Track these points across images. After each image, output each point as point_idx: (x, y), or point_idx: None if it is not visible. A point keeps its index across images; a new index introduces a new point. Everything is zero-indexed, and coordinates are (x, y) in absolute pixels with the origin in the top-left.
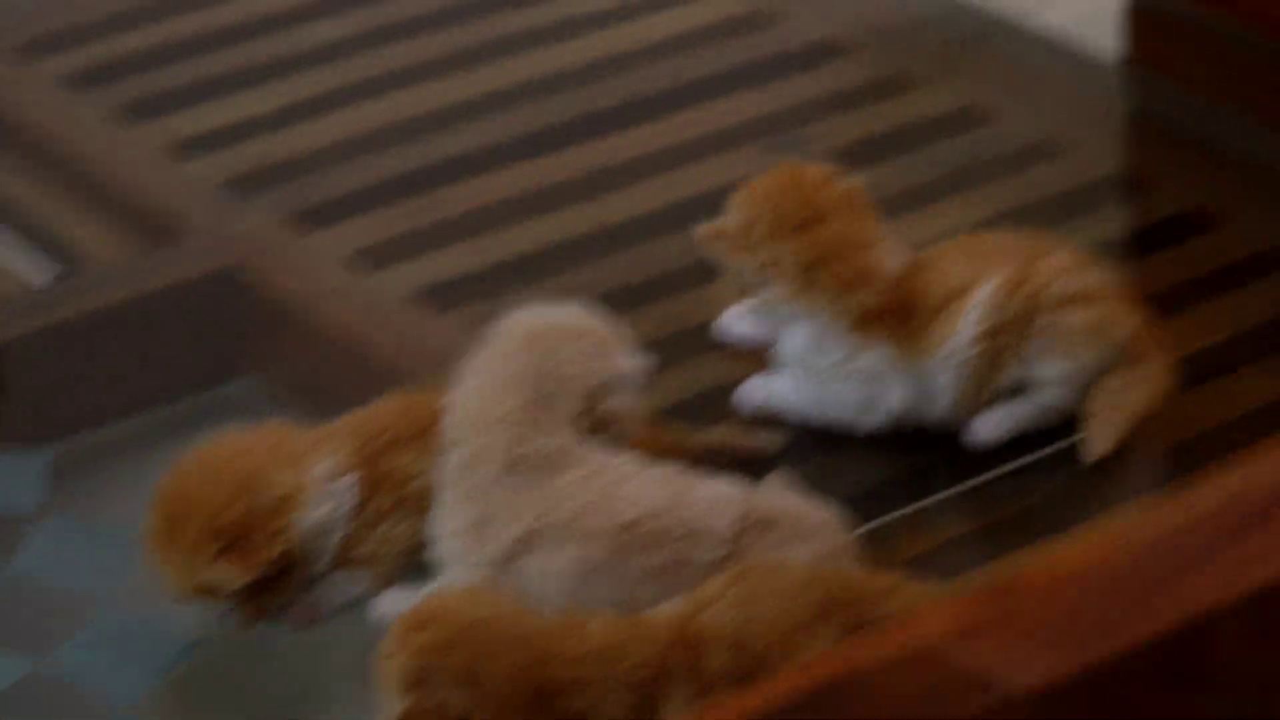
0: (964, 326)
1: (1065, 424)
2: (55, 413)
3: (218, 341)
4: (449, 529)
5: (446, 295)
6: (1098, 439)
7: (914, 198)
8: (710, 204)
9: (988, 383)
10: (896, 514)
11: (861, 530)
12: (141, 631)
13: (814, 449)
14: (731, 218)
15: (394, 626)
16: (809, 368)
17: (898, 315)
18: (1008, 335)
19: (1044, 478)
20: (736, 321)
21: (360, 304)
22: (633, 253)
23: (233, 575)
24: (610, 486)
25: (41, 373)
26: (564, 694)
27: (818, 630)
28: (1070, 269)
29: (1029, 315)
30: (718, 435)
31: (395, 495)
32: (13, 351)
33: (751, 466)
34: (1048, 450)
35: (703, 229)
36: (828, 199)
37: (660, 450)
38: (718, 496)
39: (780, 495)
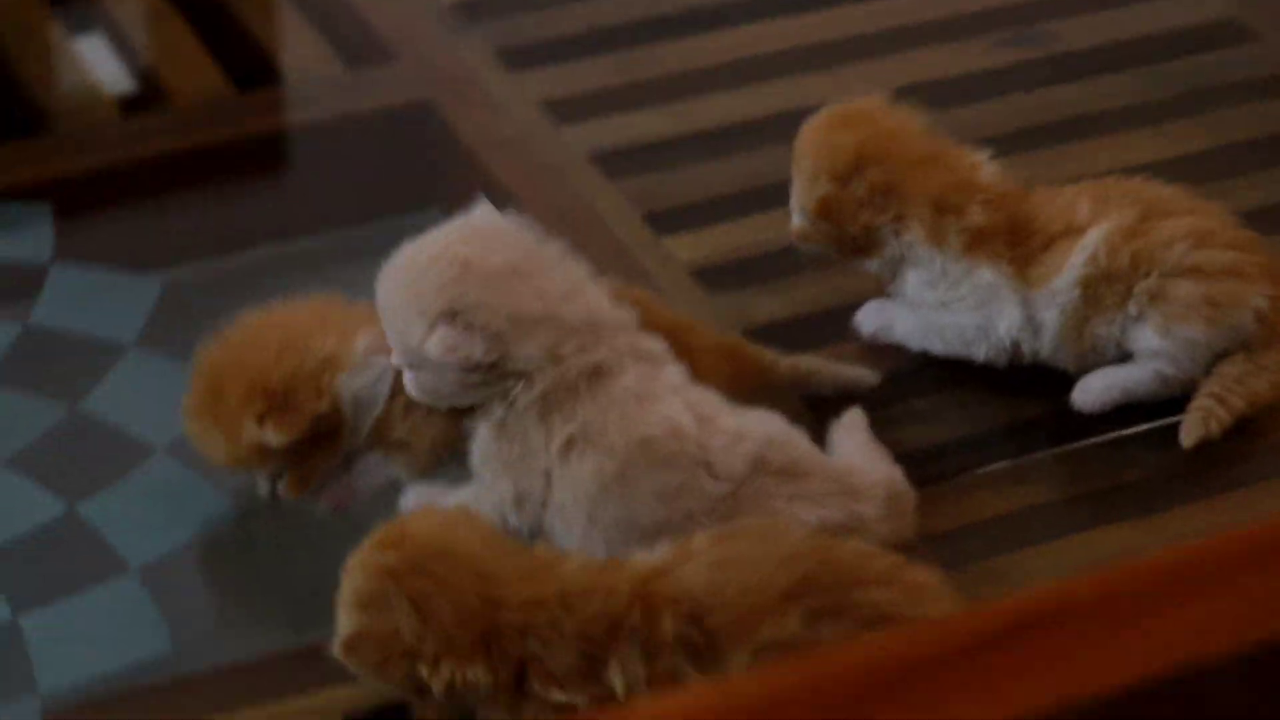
0: (1069, 266)
1: (1186, 399)
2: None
3: (406, 170)
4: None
5: (622, 161)
6: (1193, 425)
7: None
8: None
9: (1086, 331)
10: (983, 469)
11: (951, 480)
12: (180, 491)
13: (914, 390)
14: (818, 189)
15: (365, 541)
16: (924, 300)
17: (1010, 238)
18: (1108, 287)
19: (1146, 453)
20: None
21: (541, 156)
22: None
23: (277, 435)
24: (639, 402)
25: (227, 181)
26: (512, 638)
27: (785, 612)
28: (1198, 237)
29: (1134, 272)
30: (814, 363)
31: None
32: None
33: (844, 401)
34: (1152, 425)
35: (799, 228)
36: (908, 131)
37: (743, 373)
38: (743, 432)
39: (845, 437)
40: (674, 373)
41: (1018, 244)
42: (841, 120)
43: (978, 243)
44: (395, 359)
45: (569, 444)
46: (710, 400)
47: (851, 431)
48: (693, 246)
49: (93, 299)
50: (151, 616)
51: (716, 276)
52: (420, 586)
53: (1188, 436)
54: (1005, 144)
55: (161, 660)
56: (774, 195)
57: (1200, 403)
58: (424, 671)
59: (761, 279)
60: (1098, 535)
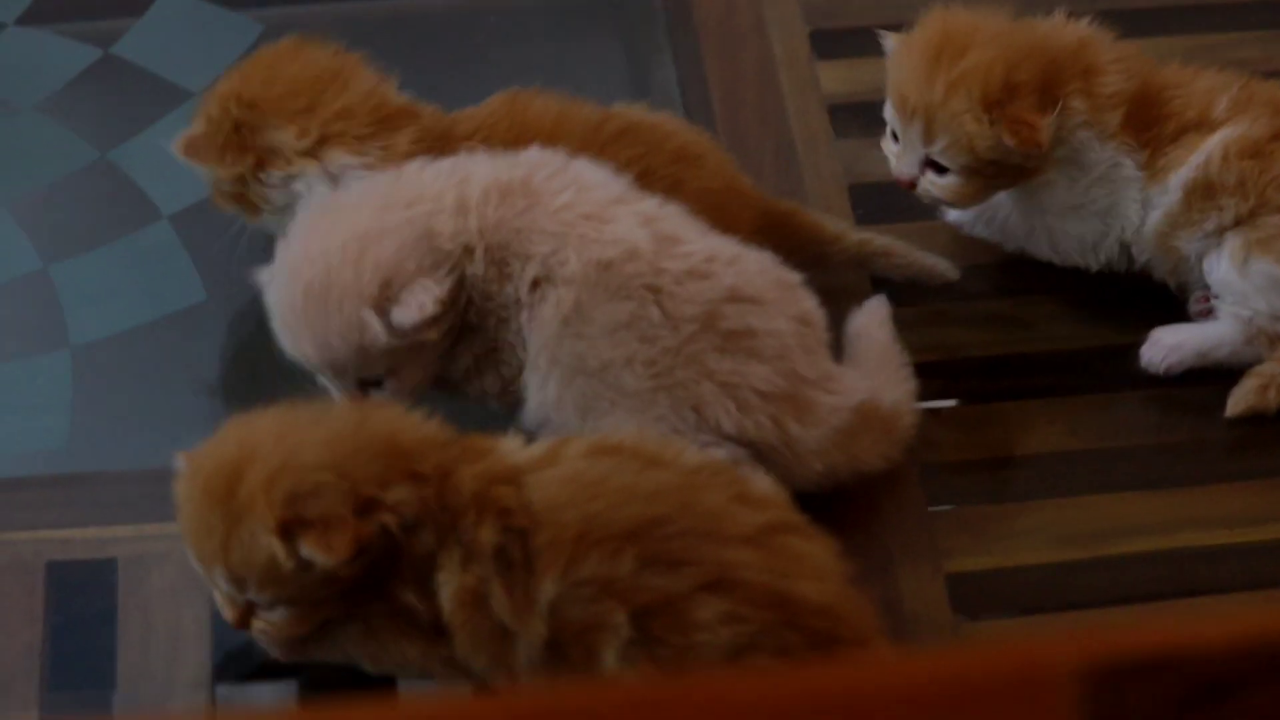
0: (1185, 164)
1: None
2: None
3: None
4: None
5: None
6: (1245, 393)
7: None
8: None
9: (1172, 242)
10: (1014, 401)
11: (982, 404)
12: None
13: (989, 291)
14: (975, 128)
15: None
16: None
17: (1143, 116)
18: (1207, 199)
19: (1196, 418)
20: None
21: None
22: None
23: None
24: (600, 226)
25: None
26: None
27: (617, 551)
28: None
29: (1237, 191)
30: (889, 243)
31: None
32: None
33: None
34: (1213, 388)
35: (950, 187)
36: (1013, 27)
37: (799, 240)
38: (708, 268)
39: (861, 332)
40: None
41: (1151, 125)
42: (944, 43)
43: (1127, 122)
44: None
45: (534, 285)
46: (677, 220)
47: (870, 325)
48: (841, 77)
49: None
50: (184, 264)
51: (849, 116)
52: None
53: (1236, 404)
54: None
55: (197, 308)
56: None
57: (1263, 368)
58: None
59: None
60: (1097, 503)
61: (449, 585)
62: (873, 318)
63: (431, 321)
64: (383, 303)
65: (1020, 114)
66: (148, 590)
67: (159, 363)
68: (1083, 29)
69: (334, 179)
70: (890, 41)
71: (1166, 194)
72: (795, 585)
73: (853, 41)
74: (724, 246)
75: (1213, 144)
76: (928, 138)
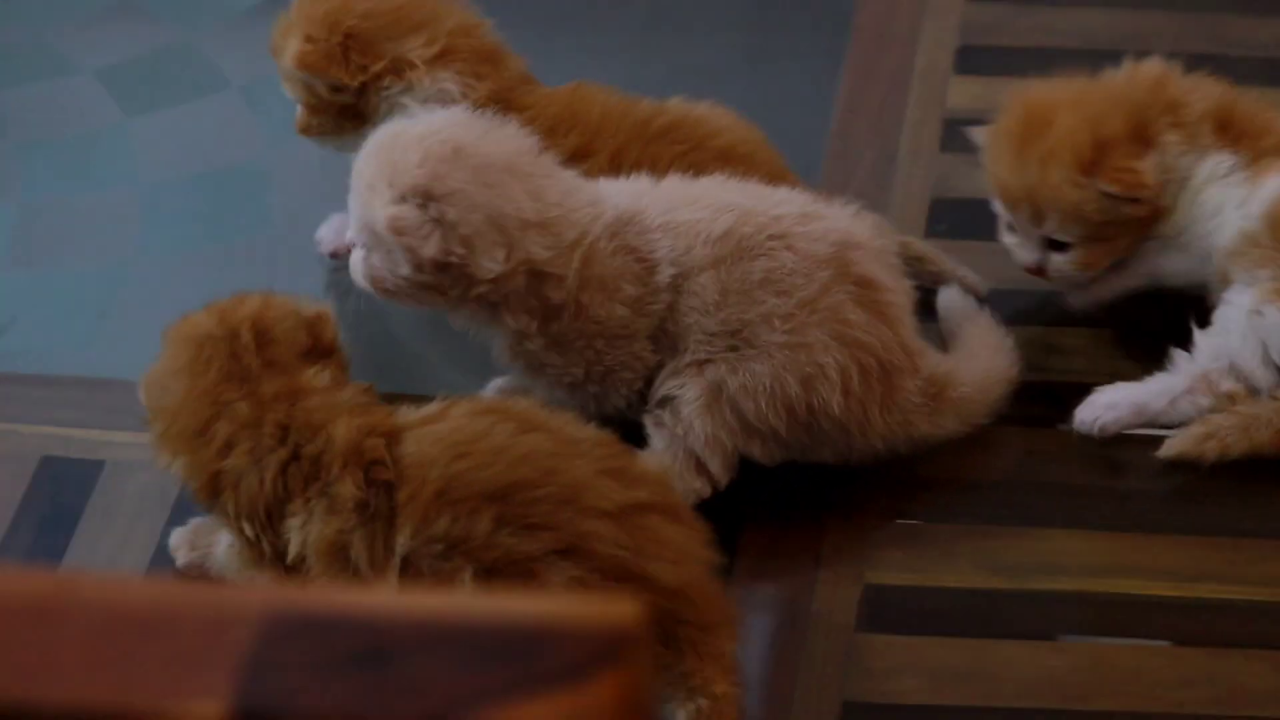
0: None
1: None
2: None
3: None
4: None
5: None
6: (1187, 438)
7: None
8: None
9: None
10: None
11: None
12: None
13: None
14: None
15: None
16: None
17: (1235, 132)
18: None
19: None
20: None
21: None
22: None
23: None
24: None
25: None
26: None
27: (475, 511)
28: None
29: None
30: (927, 250)
31: None
32: None
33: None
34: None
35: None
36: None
37: None
38: (811, 202)
39: (952, 302)
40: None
41: (1242, 134)
42: (1027, 123)
43: (1219, 132)
44: (350, 234)
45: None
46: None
47: (959, 305)
48: (972, 93)
49: None
50: (249, 127)
51: (959, 133)
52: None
53: (1172, 445)
54: None
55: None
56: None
57: (1215, 419)
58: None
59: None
60: (1032, 536)
61: (310, 531)
62: (960, 301)
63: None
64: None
65: (1118, 163)
66: (117, 494)
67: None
68: (1154, 67)
69: (431, 99)
70: (978, 135)
71: (1254, 205)
72: (649, 565)
73: (998, 59)
74: (813, 200)
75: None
76: (1038, 220)
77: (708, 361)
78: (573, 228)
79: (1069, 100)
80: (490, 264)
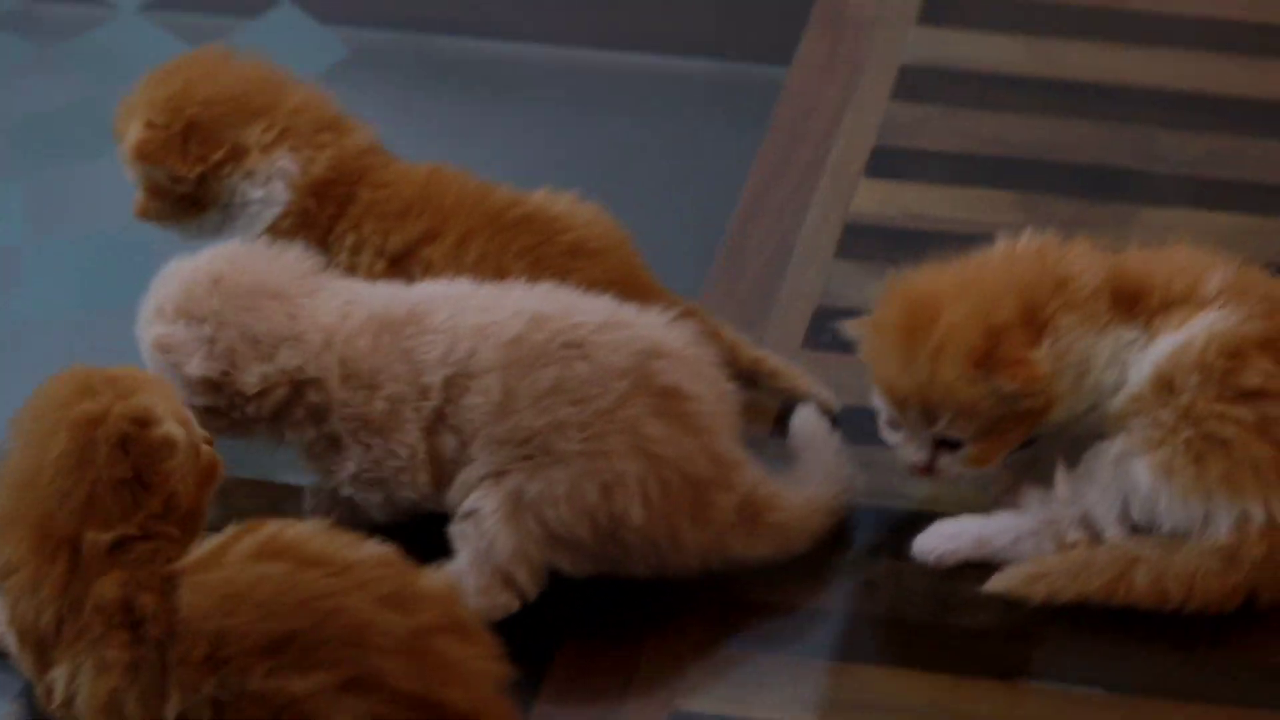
0: (1166, 338)
1: None
2: None
3: None
4: None
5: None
6: (1008, 575)
7: None
8: None
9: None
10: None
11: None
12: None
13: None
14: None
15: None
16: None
17: (1130, 301)
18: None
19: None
20: None
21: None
22: None
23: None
24: (490, 311)
25: None
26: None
27: (247, 668)
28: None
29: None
30: (781, 366)
31: None
32: None
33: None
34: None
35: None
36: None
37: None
38: (618, 311)
39: (804, 422)
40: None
41: (1136, 301)
42: (911, 316)
43: (1115, 306)
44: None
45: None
46: (569, 293)
47: (812, 427)
48: (877, 197)
49: None
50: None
51: (859, 237)
52: None
53: (999, 580)
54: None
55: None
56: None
57: (1049, 560)
58: None
59: (891, 258)
60: (853, 672)
61: (80, 688)
62: (813, 422)
63: None
64: None
65: (1010, 355)
66: None
67: None
68: (1035, 242)
69: (269, 179)
70: (854, 329)
71: (1144, 367)
72: (440, 691)
73: (912, 163)
74: (625, 308)
75: (1197, 329)
76: (929, 420)
77: (505, 473)
78: (320, 332)
79: (953, 288)
80: (250, 379)
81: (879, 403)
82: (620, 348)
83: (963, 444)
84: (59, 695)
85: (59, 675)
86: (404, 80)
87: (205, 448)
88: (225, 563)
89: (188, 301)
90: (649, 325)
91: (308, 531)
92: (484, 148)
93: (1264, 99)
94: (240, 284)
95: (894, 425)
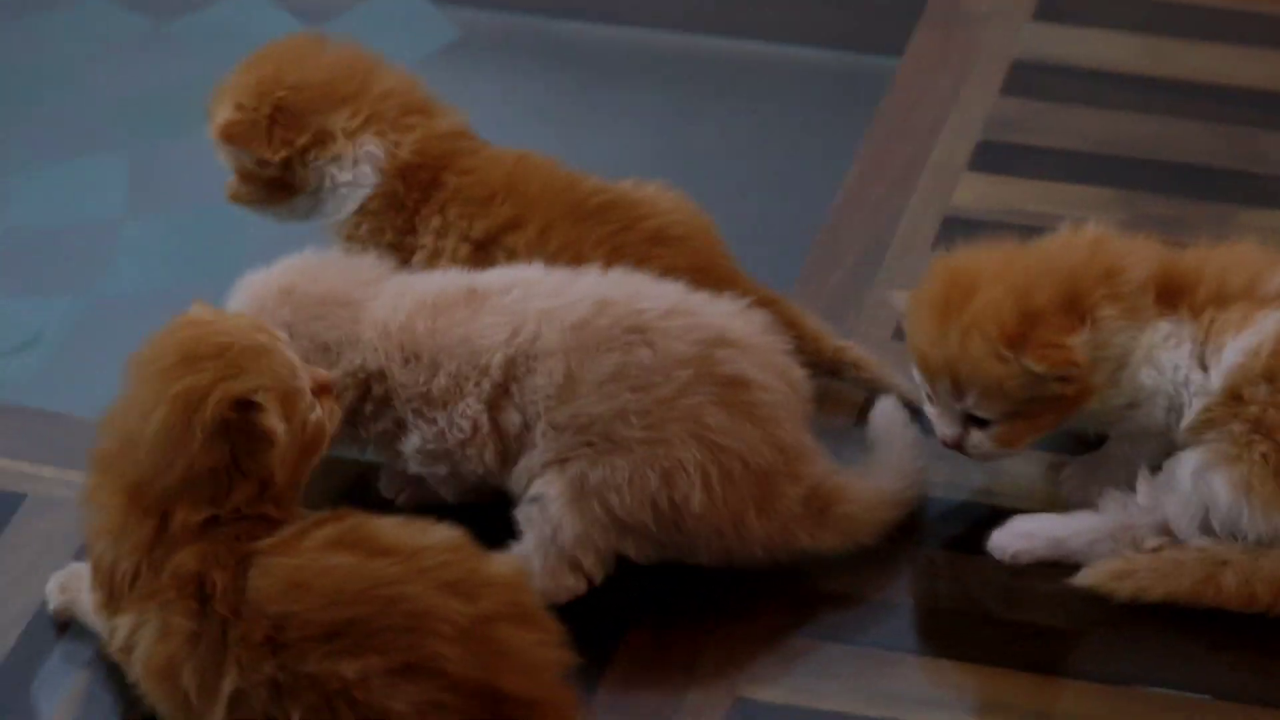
0: (1239, 337)
1: None
2: None
3: None
4: None
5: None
6: (1097, 570)
7: None
8: None
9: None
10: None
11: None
12: None
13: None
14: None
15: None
16: None
17: (1177, 294)
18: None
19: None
20: None
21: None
22: None
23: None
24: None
25: None
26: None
27: (306, 653)
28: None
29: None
30: (863, 358)
31: None
32: None
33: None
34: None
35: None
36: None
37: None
38: (686, 297)
39: (883, 414)
40: None
41: (1184, 294)
42: (949, 291)
43: (1160, 300)
44: None
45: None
46: (638, 279)
47: (891, 424)
48: (978, 191)
49: None
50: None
51: (959, 230)
52: None
53: (1087, 575)
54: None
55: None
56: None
57: (1136, 558)
58: None
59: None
60: (915, 665)
61: (140, 644)
62: (892, 413)
63: None
64: None
65: (1046, 338)
66: (29, 532)
67: None
68: (1090, 232)
69: (356, 163)
70: (899, 299)
71: (1215, 378)
72: (500, 679)
73: (1016, 157)
74: (694, 294)
75: (1263, 334)
76: (958, 393)
77: (567, 460)
78: (375, 326)
79: (994, 268)
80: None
81: (916, 375)
82: (684, 335)
83: (991, 423)
84: (119, 641)
85: (123, 623)
86: (514, 63)
87: (313, 416)
88: (301, 549)
89: (260, 314)
90: (716, 313)
91: (388, 524)
92: (589, 133)
93: None
94: (311, 294)
95: (930, 399)
